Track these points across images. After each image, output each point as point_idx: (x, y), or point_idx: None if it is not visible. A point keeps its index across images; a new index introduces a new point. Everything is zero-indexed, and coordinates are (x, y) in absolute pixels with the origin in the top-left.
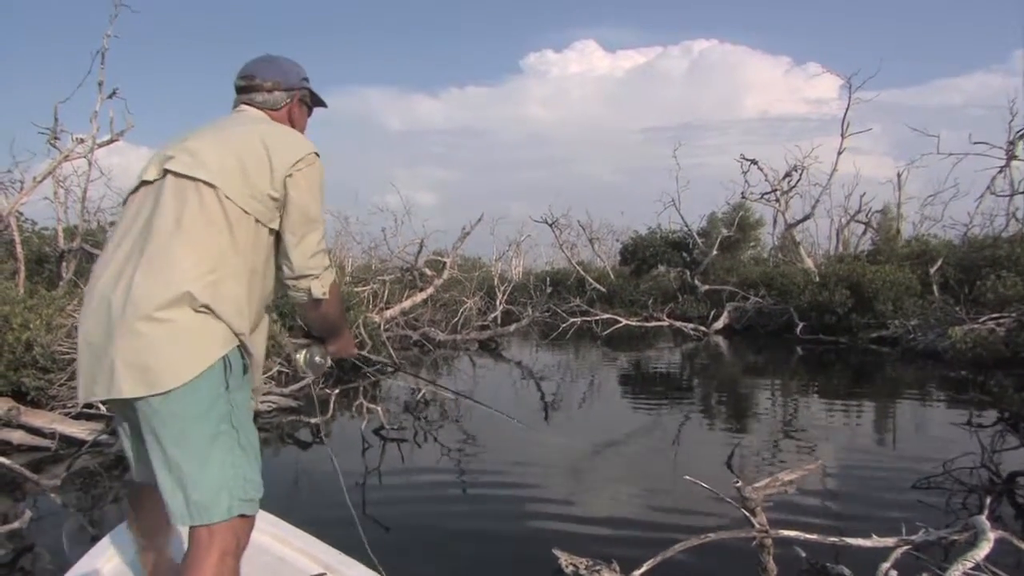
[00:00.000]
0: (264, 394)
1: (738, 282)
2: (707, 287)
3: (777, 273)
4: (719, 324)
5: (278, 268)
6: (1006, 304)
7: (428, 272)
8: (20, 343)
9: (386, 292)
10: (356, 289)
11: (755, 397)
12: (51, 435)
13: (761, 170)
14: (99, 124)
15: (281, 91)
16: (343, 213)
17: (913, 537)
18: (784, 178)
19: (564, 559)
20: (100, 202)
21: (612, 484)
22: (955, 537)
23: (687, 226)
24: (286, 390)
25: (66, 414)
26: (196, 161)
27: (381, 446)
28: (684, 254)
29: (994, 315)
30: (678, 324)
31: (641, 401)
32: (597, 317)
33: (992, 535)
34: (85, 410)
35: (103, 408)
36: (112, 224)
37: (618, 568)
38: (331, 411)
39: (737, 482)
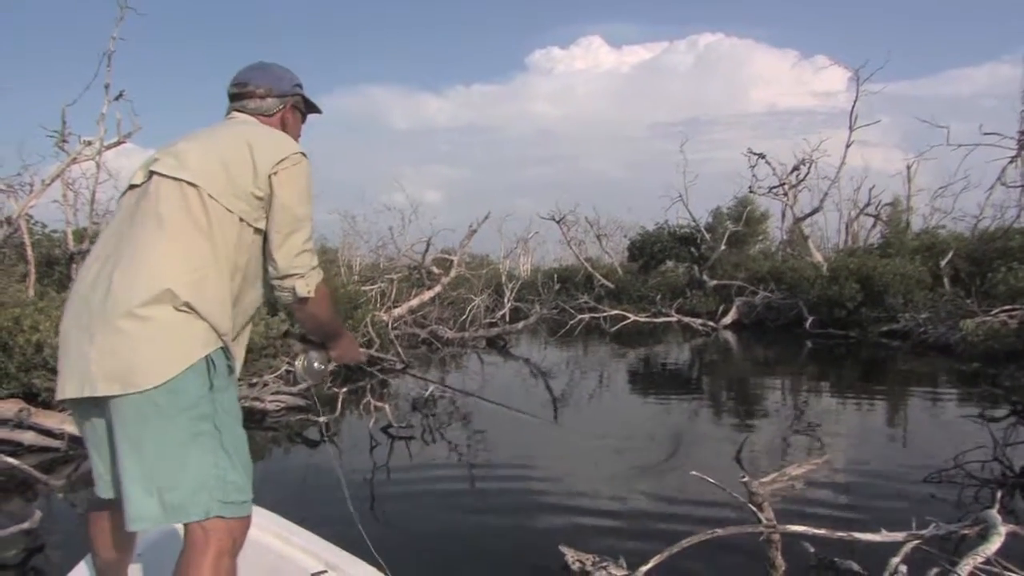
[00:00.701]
0: (273, 393)
1: (746, 277)
2: (715, 282)
3: (786, 267)
4: (728, 319)
5: (265, 268)
6: (1018, 296)
7: (436, 270)
8: (31, 345)
9: (394, 290)
10: (364, 288)
11: (764, 392)
12: (61, 436)
13: (769, 164)
14: (106, 126)
15: (274, 98)
16: (350, 212)
17: (923, 532)
18: (792, 172)
19: (571, 555)
20: (109, 204)
21: (619, 480)
22: (966, 531)
23: (695, 221)
24: (294, 389)
25: None
26: (179, 162)
27: (389, 444)
28: (692, 249)
29: (1006, 307)
30: (686, 319)
31: (650, 397)
32: (605, 313)
33: (1003, 529)
34: None
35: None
36: None
37: (625, 564)
38: (339, 409)
39: (744, 477)
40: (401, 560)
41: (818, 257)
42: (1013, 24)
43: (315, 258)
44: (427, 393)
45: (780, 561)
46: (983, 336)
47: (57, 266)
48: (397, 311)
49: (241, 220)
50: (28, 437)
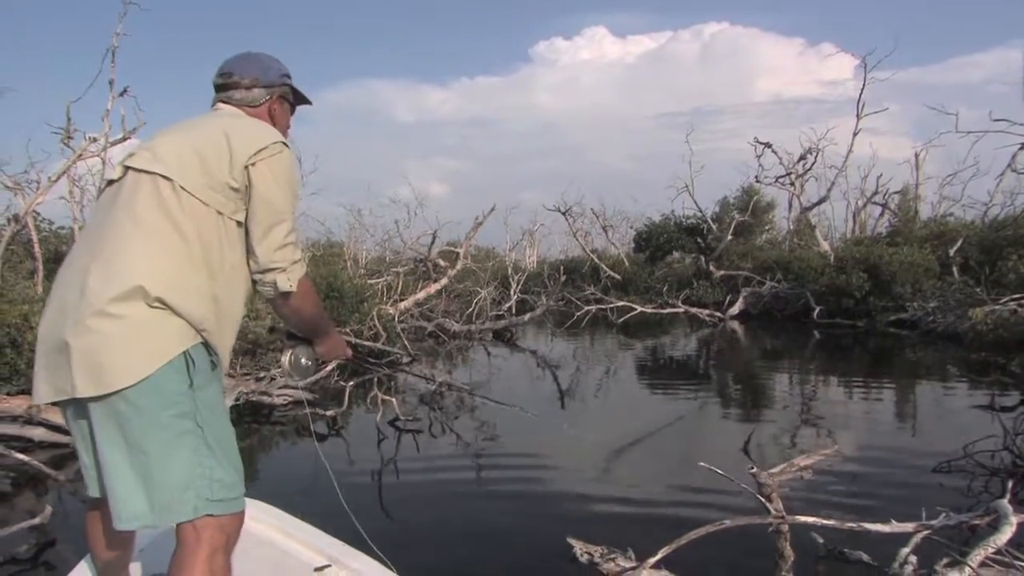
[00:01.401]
0: (280, 387)
1: (753, 267)
2: (722, 272)
3: (793, 257)
4: (735, 309)
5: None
6: None
7: (442, 263)
8: None
9: (400, 284)
10: (370, 281)
11: (772, 382)
12: (70, 432)
13: (775, 153)
14: (111, 122)
15: (260, 88)
16: (356, 206)
17: (933, 522)
18: (799, 161)
19: (579, 547)
20: None
21: (627, 471)
22: (976, 522)
23: (701, 212)
24: (300, 383)
25: None
26: (153, 156)
27: (396, 437)
28: (699, 240)
29: (1016, 296)
30: (693, 310)
31: (657, 388)
32: (612, 305)
33: (1015, 519)
34: None
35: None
36: None
37: (633, 556)
38: (346, 403)
39: (752, 468)
40: (407, 553)
41: (825, 247)
42: (1021, 9)
43: (298, 252)
44: (434, 386)
45: (789, 552)
46: (993, 325)
47: None
48: (403, 304)
49: (219, 213)
50: (38, 433)
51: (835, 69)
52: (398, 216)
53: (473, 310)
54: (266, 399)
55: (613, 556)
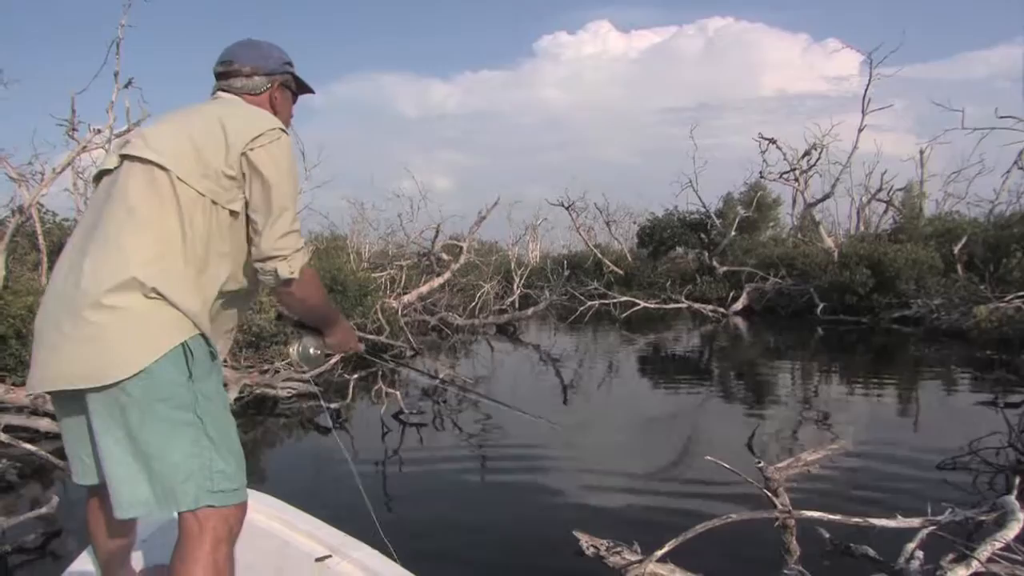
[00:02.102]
0: (284, 380)
1: (757, 263)
2: (726, 268)
3: (797, 253)
4: (738, 305)
5: (249, 252)
6: None
7: (445, 257)
8: None
9: (403, 277)
10: (373, 275)
11: (775, 378)
12: None
13: (780, 149)
14: (116, 114)
15: (261, 76)
16: (359, 199)
17: (939, 517)
18: (803, 157)
19: (585, 541)
20: None
21: (633, 466)
22: (983, 517)
23: (705, 207)
24: (306, 376)
25: None
26: (148, 144)
27: (400, 430)
28: (702, 235)
29: (1021, 293)
30: (697, 306)
31: (660, 383)
32: (615, 300)
33: (1022, 516)
34: None
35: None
36: None
37: (639, 549)
38: (350, 396)
39: (759, 462)
40: (411, 545)
41: (829, 243)
42: None
43: (300, 239)
44: (437, 380)
45: (795, 546)
46: (997, 322)
47: None
48: (407, 298)
49: (214, 203)
50: (44, 424)
51: (840, 65)
52: (401, 210)
53: (476, 304)
54: (271, 392)
55: (619, 549)
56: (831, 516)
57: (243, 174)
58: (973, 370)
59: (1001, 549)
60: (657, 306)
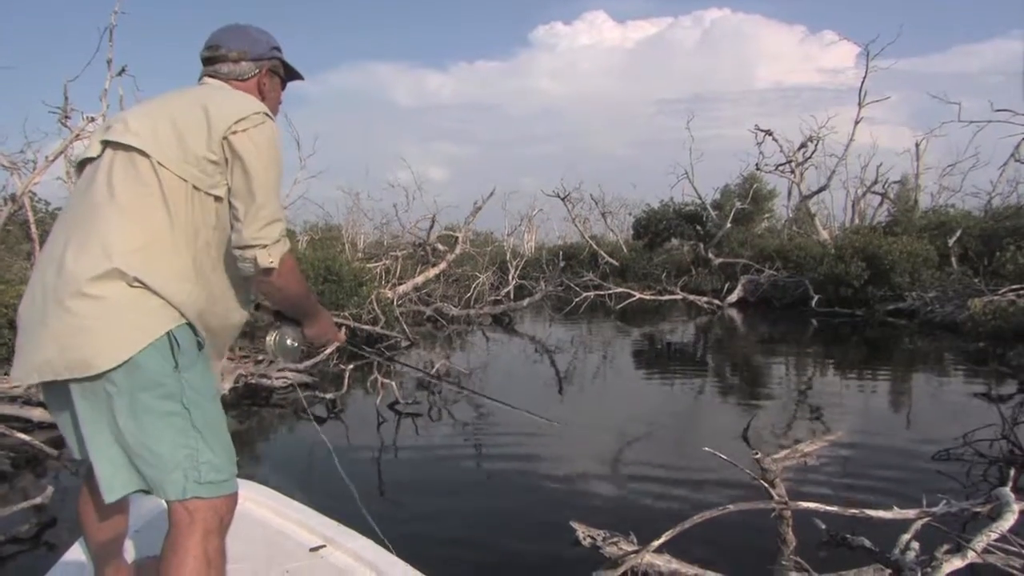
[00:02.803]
0: (279, 370)
1: (752, 255)
2: (721, 260)
3: (792, 245)
4: (733, 297)
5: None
6: None
7: (440, 247)
8: None
9: (398, 268)
10: (368, 265)
11: (770, 370)
12: None
13: (776, 141)
14: (109, 102)
15: (248, 61)
16: (354, 189)
17: (934, 509)
18: (799, 149)
19: (581, 531)
20: None
21: (629, 457)
22: (978, 509)
23: (700, 199)
24: (300, 366)
25: None
26: (129, 128)
27: (396, 421)
28: (698, 227)
29: (1015, 286)
30: (692, 297)
31: (655, 375)
32: (610, 291)
33: (1016, 507)
34: None
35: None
36: None
37: (636, 540)
38: (346, 386)
39: (756, 453)
40: (406, 535)
41: (824, 235)
42: None
43: (282, 228)
44: (433, 369)
45: (791, 537)
46: (991, 315)
47: None
48: (402, 288)
49: (195, 189)
50: (37, 414)
51: (836, 57)
52: (397, 200)
53: (471, 295)
54: (265, 382)
55: (616, 540)
56: (827, 507)
57: (225, 159)
58: (967, 363)
59: (996, 540)
60: (652, 297)
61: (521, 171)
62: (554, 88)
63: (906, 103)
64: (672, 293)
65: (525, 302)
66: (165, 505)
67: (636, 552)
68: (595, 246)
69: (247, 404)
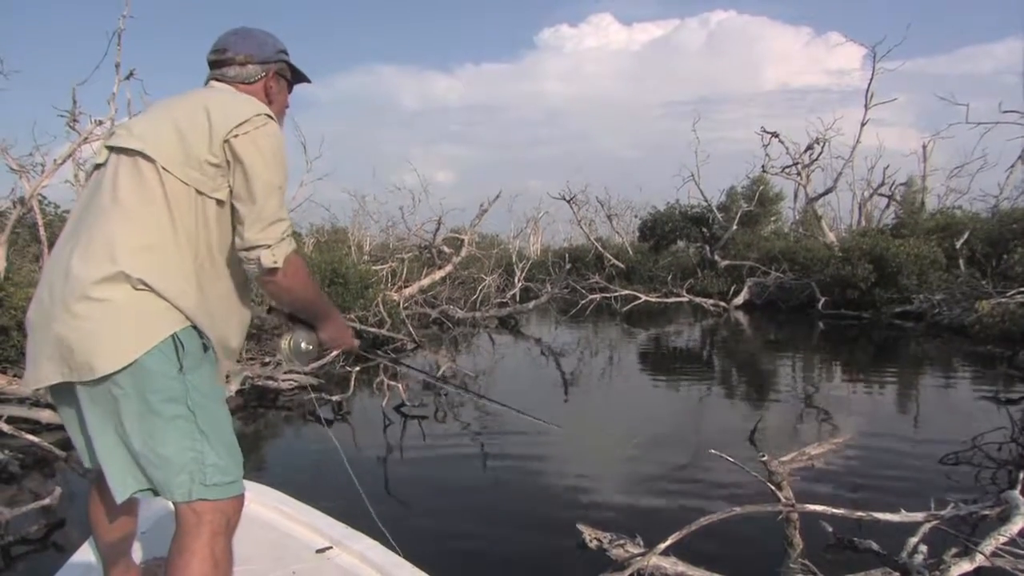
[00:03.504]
0: (285, 372)
1: (758, 257)
2: (727, 262)
3: (799, 248)
4: (739, 299)
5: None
6: None
7: (446, 250)
8: None
9: (404, 270)
10: (374, 267)
11: (777, 373)
12: None
13: (782, 143)
14: (117, 106)
15: (255, 64)
16: (360, 192)
17: (942, 512)
18: (805, 151)
19: (588, 534)
20: None
21: (635, 459)
22: (986, 512)
23: (707, 201)
24: (307, 368)
25: None
26: (133, 134)
27: (402, 423)
28: (704, 229)
29: (1023, 289)
30: (698, 300)
31: (661, 377)
32: (616, 293)
33: None
34: None
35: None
36: None
37: (642, 542)
38: (352, 388)
39: (763, 456)
40: (412, 537)
41: (831, 237)
42: None
43: (286, 228)
44: (440, 372)
45: (798, 540)
46: (999, 317)
47: None
48: (408, 291)
49: (198, 193)
50: (45, 415)
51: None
52: (403, 202)
53: (477, 297)
54: (272, 384)
55: (622, 542)
56: (834, 510)
57: (227, 162)
58: (975, 365)
59: (1005, 543)
60: (658, 300)
61: (527, 173)
62: (560, 90)
63: (913, 105)
64: (678, 295)
65: (531, 304)
66: (173, 507)
67: (642, 554)
68: (601, 248)
69: (254, 406)
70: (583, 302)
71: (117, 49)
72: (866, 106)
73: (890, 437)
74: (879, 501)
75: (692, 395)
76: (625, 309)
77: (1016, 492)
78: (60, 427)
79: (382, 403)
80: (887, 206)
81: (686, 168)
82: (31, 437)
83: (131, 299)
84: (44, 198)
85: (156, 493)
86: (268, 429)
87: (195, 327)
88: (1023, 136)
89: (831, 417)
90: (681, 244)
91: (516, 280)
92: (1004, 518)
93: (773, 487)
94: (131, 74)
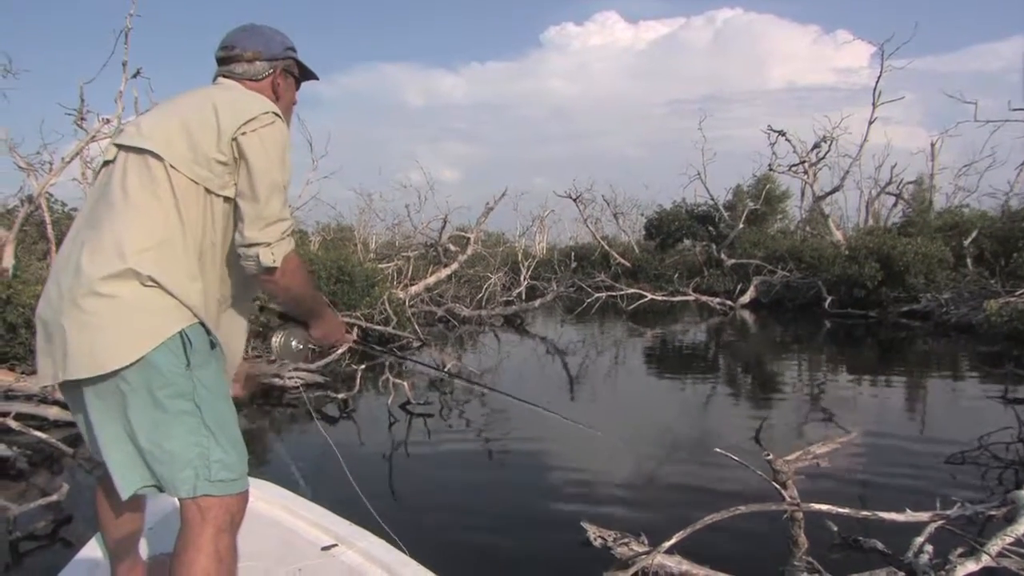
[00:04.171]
0: (292, 369)
1: (765, 256)
2: (733, 261)
3: (805, 246)
4: (745, 298)
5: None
6: None
7: (452, 248)
8: None
9: (410, 268)
10: (380, 265)
11: (783, 372)
12: None
13: (789, 141)
14: (124, 104)
15: (263, 61)
16: (366, 190)
17: (948, 512)
18: (812, 149)
19: (592, 532)
20: None
21: (640, 457)
22: (992, 512)
23: (713, 199)
24: (312, 365)
25: None
26: (141, 132)
27: (407, 421)
28: (710, 228)
29: None
30: (704, 298)
31: (667, 376)
32: (622, 292)
33: None
34: None
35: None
36: None
37: (647, 541)
38: (358, 386)
39: (768, 455)
40: (417, 535)
41: (838, 236)
42: None
43: (287, 227)
44: (446, 369)
45: (803, 539)
46: (1007, 317)
47: None
48: (414, 289)
49: (208, 192)
50: (53, 412)
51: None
52: (409, 201)
53: (483, 295)
54: (277, 381)
55: (626, 541)
56: (839, 509)
57: (234, 159)
58: (982, 365)
59: (1011, 544)
60: (664, 298)
61: (533, 172)
62: (566, 89)
63: (921, 103)
64: (684, 294)
65: (537, 303)
66: (179, 503)
67: (647, 553)
68: (607, 247)
69: (259, 403)
70: (589, 301)
71: (124, 48)
72: (874, 104)
73: (896, 436)
74: (884, 500)
75: (697, 394)
76: (631, 308)
77: (1022, 492)
78: (68, 424)
79: (388, 401)
80: (894, 205)
81: (692, 166)
82: (39, 434)
83: (140, 296)
84: (52, 196)
85: (161, 490)
86: (273, 426)
87: (202, 324)
88: None
89: (836, 416)
90: (687, 243)
91: (522, 278)
92: (1010, 518)
93: (778, 486)
94: (138, 72)
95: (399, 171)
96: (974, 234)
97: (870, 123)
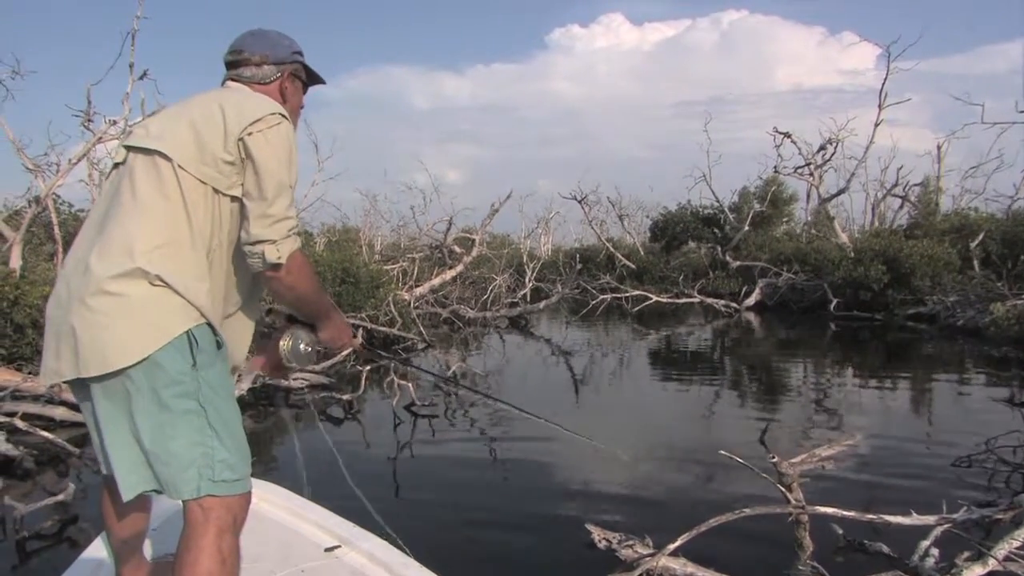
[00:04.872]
0: (297, 371)
1: (770, 258)
2: (739, 263)
3: (811, 249)
4: (751, 300)
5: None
6: None
7: (457, 249)
8: None
9: (415, 270)
10: (386, 267)
11: (788, 374)
12: None
13: (795, 143)
14: (131, 105)
15: (271, 65)
16: (372, 191)
17: (955, 515)
18: (818, 151)
19: (597, 534)
20: None
21: (645, 460)
22: (999, 516)
23: (718, 201)
24: (317, 367)
25: None
26: (150, 133)
27: (412, 422)
28: (715, 230)
29: None
30: (709, 300)
31: (672, 378)
32: (627, 294)
33: None
34: None
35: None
36: None
37: (651, 543)
38: (363, 387)
39: (773, 457)
40: (420, 536)
41: (844, 238)
42: None
43: (293, 226)
44: (450, 371)
45: (808, 542)
46: (1014, 320)
47: None
48: (419, 290)
49: (215, 192)
50: (59, 412)
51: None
52: (414, 202)
53: (488, 297)
54: (282, 382)
55: (631, 543)
56: (845, 512)
57: (241, 159)
58: (989, 368)
59: (1018, 548)
60: (669, 300)
61: (538, 173)
62: (571, 90)
63: (928, 105)
64: (689, 296)
65: (542, 304)
66: (182, 504)
67: (651, 555)
68: (612, 249)
69: (264, 404)
70: (594, 302)
71: (131, 50)
72: (880, 106)
73: (902, 439)
74: (890, 503)
75: (702, 396)
76: (636, 310)
77: None
78: (74, 424)
79: (392, 402)
80: (901, 207)
81: (698, 168)
82: (45, 434)
83: (148, 295)
84: (59, 197)
85: (161, 492)
86: (278, 427)
87: (209, 324)
88: None
89: (843, 419)
90: (693, 245)
91: (527, 280)
92: (1017, 522)
93: (783, 488)
94: (144, 74)
95: (404, 173)
96: (981, 236)
97: (876, 125)
